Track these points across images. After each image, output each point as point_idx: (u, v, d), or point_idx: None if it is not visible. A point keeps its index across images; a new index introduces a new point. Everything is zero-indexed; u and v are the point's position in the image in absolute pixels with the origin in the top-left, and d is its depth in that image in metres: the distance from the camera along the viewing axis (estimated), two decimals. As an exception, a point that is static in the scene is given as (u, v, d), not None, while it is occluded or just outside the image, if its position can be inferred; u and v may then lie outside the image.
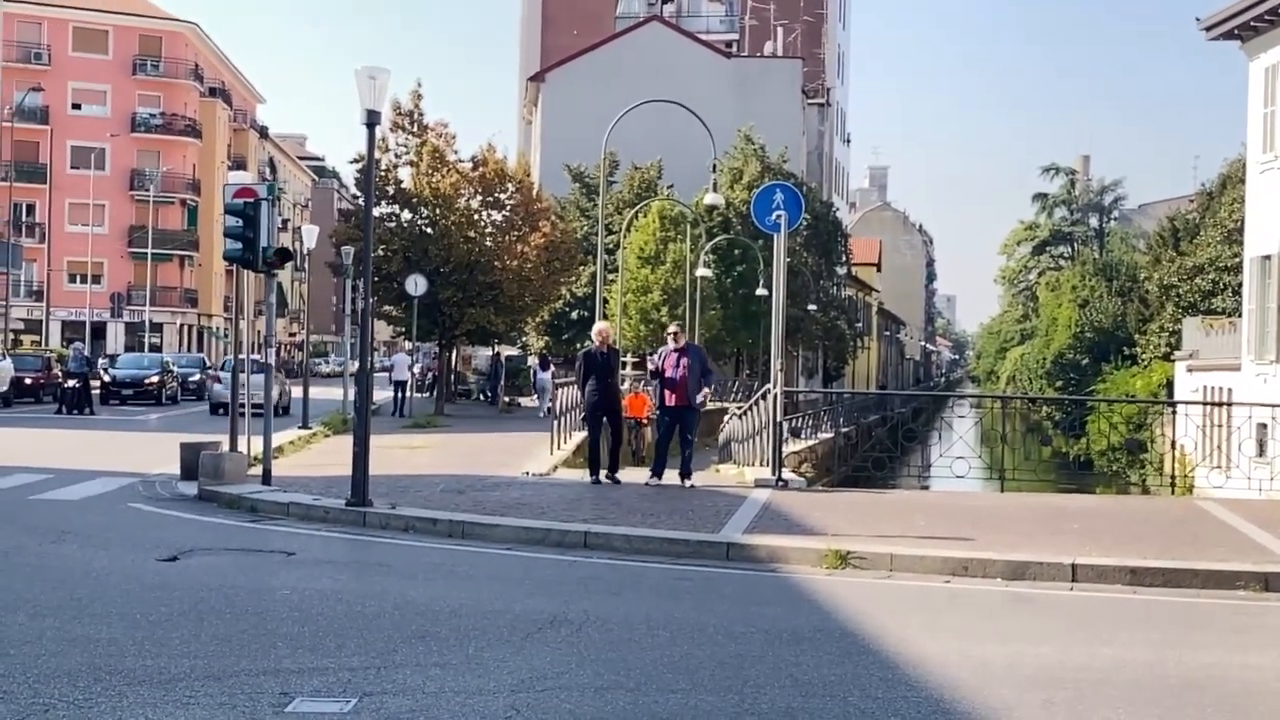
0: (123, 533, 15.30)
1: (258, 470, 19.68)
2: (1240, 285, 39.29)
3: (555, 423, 26.93)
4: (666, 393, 19.43)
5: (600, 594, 11.69)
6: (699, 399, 19.37)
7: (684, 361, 19.30)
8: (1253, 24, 33.16)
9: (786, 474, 20.74)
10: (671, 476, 19.45)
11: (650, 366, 20.50)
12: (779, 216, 20.14)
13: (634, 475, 20.48)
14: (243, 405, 21.97)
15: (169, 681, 8.16)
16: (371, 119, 16.62)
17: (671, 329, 20.46)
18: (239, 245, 19.25)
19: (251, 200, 19.30)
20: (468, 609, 10.63)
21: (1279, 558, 13.52)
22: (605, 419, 19.71)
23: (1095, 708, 8.03)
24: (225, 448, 21.16)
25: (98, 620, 9.97)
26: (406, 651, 9.07)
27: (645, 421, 30.62)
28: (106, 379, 49.05)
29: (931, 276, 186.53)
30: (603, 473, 19.64)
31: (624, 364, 43.51)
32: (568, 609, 10.63)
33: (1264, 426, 24.30)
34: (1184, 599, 12.05)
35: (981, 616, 11.16)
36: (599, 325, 20.75)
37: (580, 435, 30.00)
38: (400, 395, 44.24)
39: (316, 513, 16.44)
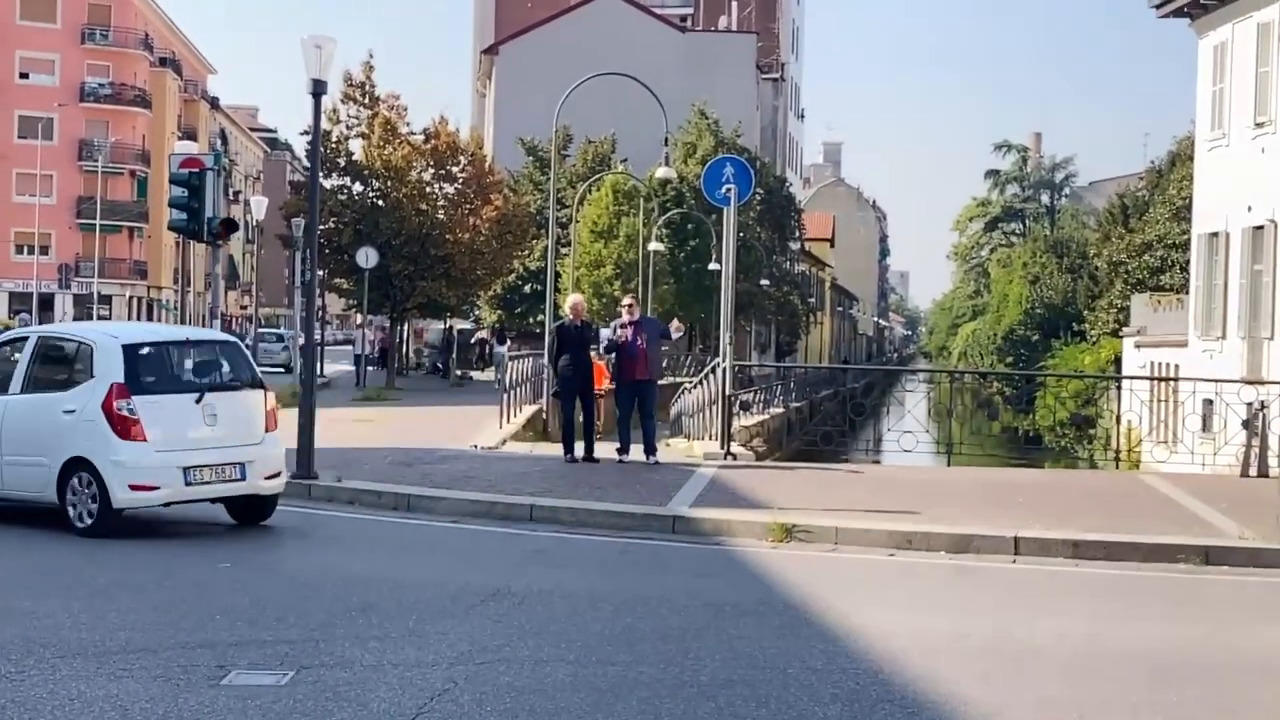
0: (64, 505, 15.13)
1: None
2: (1188, 262, 39.57)
3: (505, 396, 26.83)
4: (625, 367, 18.93)
5: (544, 567, 11.67)
6: (673, 330, 19.40)
7: (640, 336, 18.79)
8: (1202, 2, 33.31)
9: (735, 448, 20.78)
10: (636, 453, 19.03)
11: (604, 340, 20.01)
12: (729, 190, 20.09)
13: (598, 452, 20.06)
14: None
15: (104, 654, 8.09)
16: (318, 89, 16.44)
17: (625, 302, 20.01)
18: (184, 216, 19.10)
19: (197, 171, 19.15)
20: (410, 582, 10.58)
21: (1220, 531, 13.65)
22: (579, 396, 19.13)
23: (1034, 678, 8.08)
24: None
25: (34, 594, 9.87)
26: (346, 624, 9.02)
27: (602, 394, 29.92)
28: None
29: (885, 252, 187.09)
30: (579, 446, 18.96)
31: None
32: (511, 582, 10.59)
33: (1209, 402, 24.50)
34: (1125, 572, 12.13)
35: (924, 589, 11.21)
36: (573, 298, 20.10)
37: (531, 409, 29.99)
38: (361, 367, 44.23)
39: (261, 485, 16.29)
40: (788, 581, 11.05)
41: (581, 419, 19.34)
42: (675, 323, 20.77)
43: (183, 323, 23.73)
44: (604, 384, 26.31)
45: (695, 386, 27.36)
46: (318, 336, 61.96)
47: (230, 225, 19.68)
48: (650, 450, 18.85)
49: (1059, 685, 7.92)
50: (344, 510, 14.98)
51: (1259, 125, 30.65)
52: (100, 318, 79.97)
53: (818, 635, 9.08)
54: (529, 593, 10.19)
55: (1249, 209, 30.91)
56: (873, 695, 7.59)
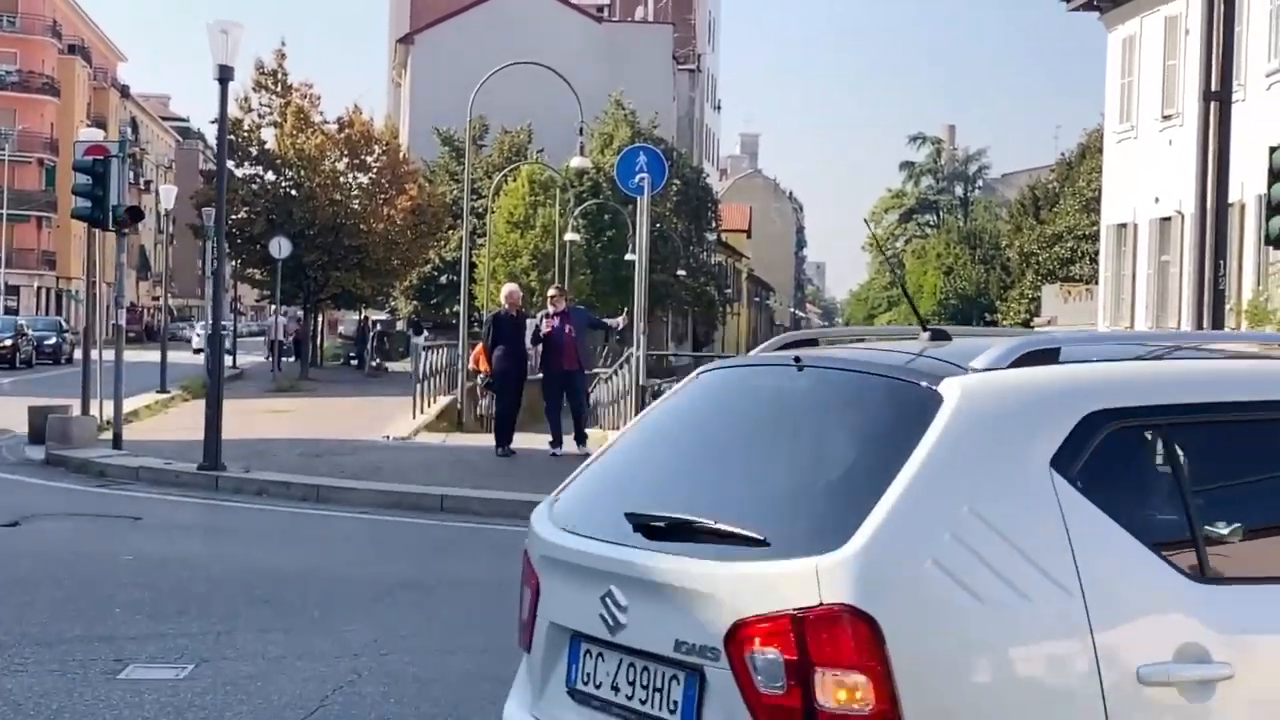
0: (-38, 498, 14.85)
1: (109, 435, 19.21)
2: (1097, 253, 40.11)
3: (419, 386, 26.64)
4: (552, 357, 18.49)
5: (455, 557, 11.60)
6: (613, 323, 18.88)
7: (567, 326, 18.45)
8: (1111, -4, 33.77)
9: (649, 437, 20.76)
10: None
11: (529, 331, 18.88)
12: (642, 179, 20.07)
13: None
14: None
15: (-2, 649, 7.91)
16: (224, 74, 16.23)
17: (551, 292, 19.48)
18: (89, 204, 18.75)
19: (101, 158, 18.80)
20: (317, 573, 10.47)
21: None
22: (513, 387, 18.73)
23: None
24: (77, 412, 20.62)
25: (-72, 588, 9.64)
26: (250, 616, 8.89)
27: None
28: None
29: (802, 244, 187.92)
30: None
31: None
32: (421, 572, 10.52)
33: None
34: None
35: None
36: (508, 287, 19.69)
37: (445, 400, 29.79)
38: (277, 354, 43.87)
39: (167, 477, 16.10)
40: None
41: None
42: (622, 318, 20.50)
43: (90, 313, 23.28)
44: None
45: (610, 378, 27.33)
46: (229, 327, 61.37)
47: (136, 213, 19.37)
48: (580, 439, 18.56)
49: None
50: (252, 502, 14.80)
51: (1166, 118, 31.09)
52: (7, 309, 78.63)
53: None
54: (438, 583, 10.12)
55: (1156, 200, 31.36)
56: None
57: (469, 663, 7.82)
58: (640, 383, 20.34)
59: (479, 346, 28.14)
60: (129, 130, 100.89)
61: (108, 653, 7.87)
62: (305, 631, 8.48)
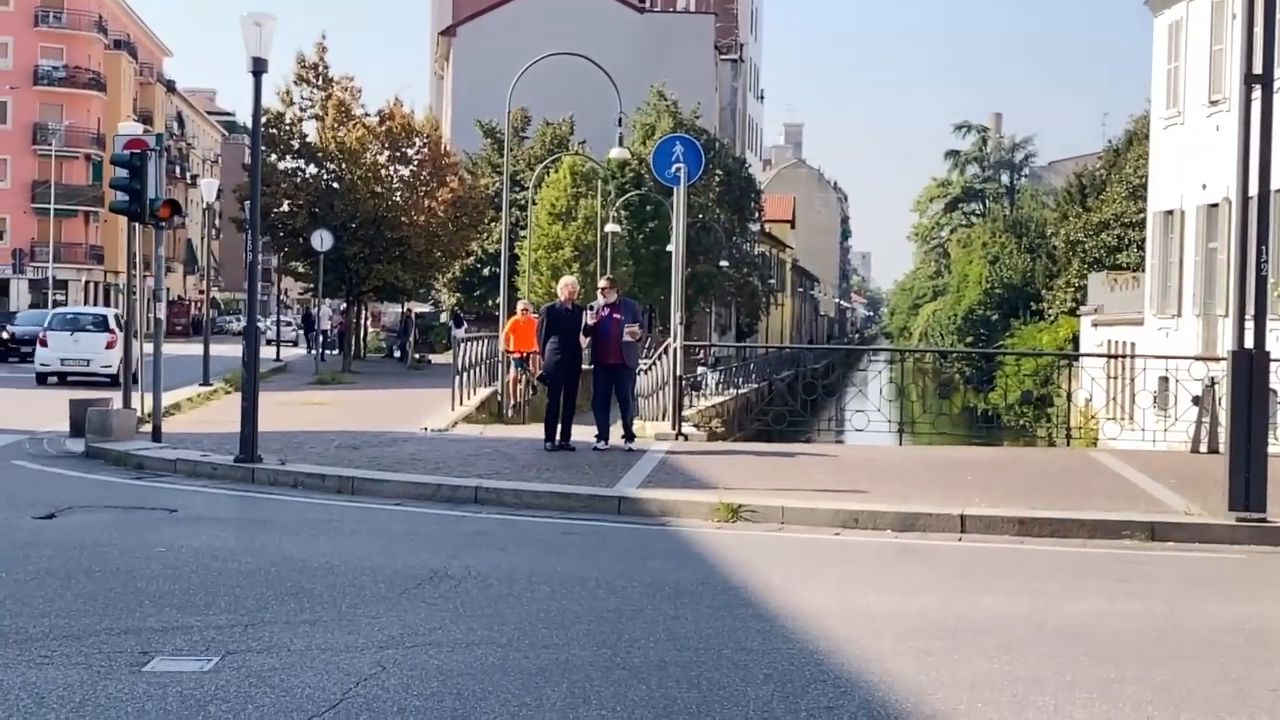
0: (1, 490, 14.93)
1: (150, 427, 19.29)
2: (1144, 241, 39.69)
3: (457, 378, 26.64)
4: (599, 350, 18.07)
5: (485, 549, 11.53)
6: (626, 337, 17.97)
7: (616, 318, 17.94)
8: (1156, -20, 33.39)
9: (688, 429, 20.70)
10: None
11: (590, 322, 18.29)
12: (678, 169, 19.97)
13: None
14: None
15: (25, 641, 7.91)
16: (258, 67, 16.22)
17: (601, 283, 18.93)
18: (126, 197, 18.83)
19: (139, 152, 18.88)
20: (347, 565, 10.43)
21: (1166, 507, 13.63)
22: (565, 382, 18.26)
23: (970, 657, 7.99)
24: (118, 405, 20.72)
25: (-41, 581, 9.66)
26: (277, 609, 8.87)
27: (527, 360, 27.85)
28: (5, 335, 48.02)
29: (846, 233, 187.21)
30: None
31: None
32: (449, 564, 10.46)
33: (1164, 380, 24.54)
34: (1070, 549, 12.09)
35: (868, 568, 11.13)
36: (565, 279, 19.23)
37: (485, 392, 29.82)
38: (321, 345, 44.17)
39: (204, 469, 16.13)
40: (729, 561, 10.95)
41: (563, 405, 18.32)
42: (638, 328, 20.02)
43: (130, 307, 23.36)
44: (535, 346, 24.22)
45: (649, 369, 27.25)
46: (272, 320, 61.55)
47: (173, 207, 19.38)
48: (627, 436, 18.25)
49: (995, 663, 7.84)
50: (286, 494, 14.80)
51: (1213, 103, 30.72)
52: (56, 303, 79.30)
53: (755, 616, 8.98)
54: (466, 575, 10.05)
55: (1204, 187, 31.00)
56: (806, 675, 7.49)
57: (494, 656, 7.76)
58: (678, 373, 20.23)
59: (509, 324, 28.30)
60: (175, 124, 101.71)
61: (134, 645, 7.86)
62: (331, 624, 8.45)
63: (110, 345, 33.18)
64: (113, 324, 34.23)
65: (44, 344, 34.84)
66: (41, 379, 34.45)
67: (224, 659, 7.58)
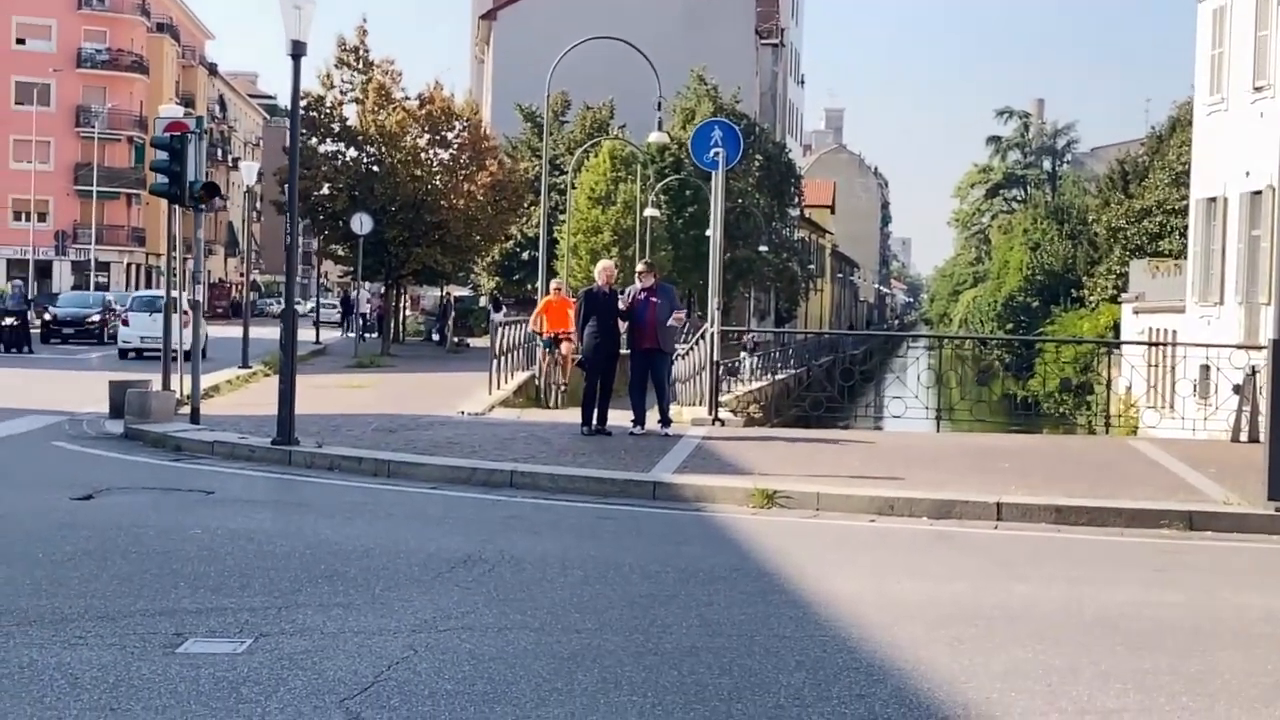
0: (40, 471, 15.06)
1: (188, 409, 19.39)
2: (1186, 228, 39.35)
3: (495, 362, 26.67)
4: (635, 334, 17.96)
5: (519, 533, 11.54)
6: (671, 322, 17.83)
7: (653, 302, 17.81)
8: (1201, -36, 33.05)
9: (724, 414, 20.67)
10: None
11: (621, 306, 18.20)
12: (716, 154, 19.90)
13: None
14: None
15: (61, 621, 7.96)
16: (297, 50, 16.24)
17: (639, 267, 18.79)
18: (166, 180, 18.93)
19: (179, 134, 18.96)
20: (381, 548, 10.45)
21: (1205, 496, 13.52)
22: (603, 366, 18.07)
23: (1004, 645, 7.94)
24: (157, 386, 20.85)
25: (-3, 561, 9.74)
26: (311, 591, 8.90)
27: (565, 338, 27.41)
28: (48, 317, 48.42)
29: (887, 219, 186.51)
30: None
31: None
32: (484, 548, 10.47)
33: (1205, 368, 24.35)
34: (1107, 537, 12.01)
35: (902, 555, 11.08)
36: (603, 263, 19.15)
37: (523, 376, 29.85)
38: (362, 325, 44.49)
39: (241, 451, 16.21)
40: (764, 547, 10.92)
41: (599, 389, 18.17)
42: (682, 313, 19.84)
43: (169, 289, 23.47)
44: (569, 326, 23.92)
45: (687, 354, 27.21)
46: (311, 303, 61.70)
47: (212, 190, 19.47)
48: (664, 421, 18.12)
49: (1030, 651, 7.79)
50: (323, 476, 14.85)
51: (1258, 89, 30.39)
52: (98, 285, 79.88)
53: (788, 602, 8.95)
54: (500, 559, 10.06)
55: (1247, 174, 30.67)
56: (838, 663, 7.46)
57: (526, 640, 7.76)
58: (715, 358, 20.20)
59: (541, 304, 28.02)
60: (217, 108, 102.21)
61: (168, 626, 7.90)
62: (364, 607, 8.47)
63: (185, 325, 34.51)
64: (185, 306, 35.40)
65: (125, 324, 39.85)
66: (123, 354, 38.85)
67: (257, 641, 7.61)
